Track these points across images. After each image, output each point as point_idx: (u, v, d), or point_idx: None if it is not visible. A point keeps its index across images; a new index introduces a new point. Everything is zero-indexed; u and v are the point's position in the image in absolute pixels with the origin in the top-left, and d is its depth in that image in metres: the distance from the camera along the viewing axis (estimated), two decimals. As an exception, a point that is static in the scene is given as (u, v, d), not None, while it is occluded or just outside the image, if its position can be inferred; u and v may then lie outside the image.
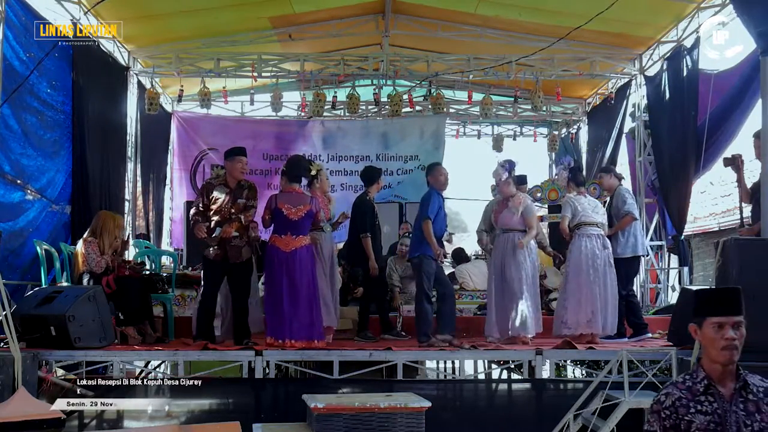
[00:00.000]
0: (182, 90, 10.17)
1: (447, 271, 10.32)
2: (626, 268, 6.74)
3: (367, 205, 6.72)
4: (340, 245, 10.40)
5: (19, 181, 6.93)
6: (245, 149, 6.20)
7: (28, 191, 7.11)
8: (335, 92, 11.12)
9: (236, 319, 6.01)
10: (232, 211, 5.89)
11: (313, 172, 6.43)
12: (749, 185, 6.05)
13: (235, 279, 5.98)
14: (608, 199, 7.18)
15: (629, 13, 8.44)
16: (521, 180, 6.78)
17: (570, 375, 7.84)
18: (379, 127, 11.49)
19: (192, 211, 6.07)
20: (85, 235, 6.33)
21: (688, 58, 8.52)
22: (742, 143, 7.63)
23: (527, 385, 5.67)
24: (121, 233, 6.66)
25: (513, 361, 6.41)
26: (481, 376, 7.73)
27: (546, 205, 9.74)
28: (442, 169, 6.50)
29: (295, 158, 6.58)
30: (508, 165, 6.48)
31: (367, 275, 6.76)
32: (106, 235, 6.30)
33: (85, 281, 6.18)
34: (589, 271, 6.39)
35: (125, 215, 9.17)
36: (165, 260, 8.59)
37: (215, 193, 5.94)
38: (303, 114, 11.89)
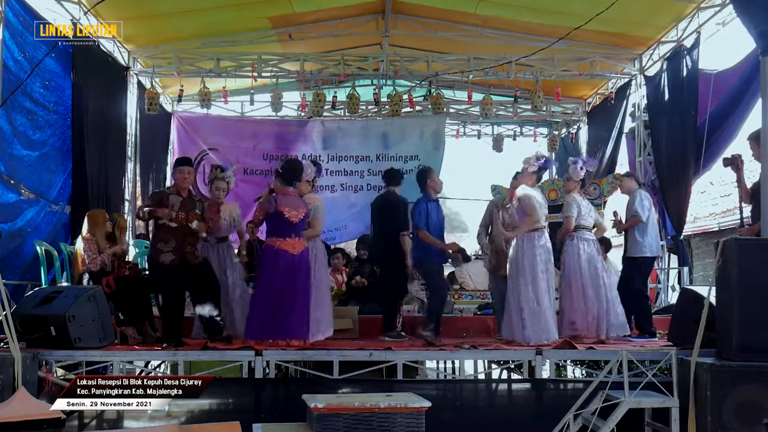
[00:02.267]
0: (182, 90, 10.17)
1: (447, 271, 10.34)
2: (640, 268, 6.77)
3: (400, 202, 6.76)
4: (341, 245, 10.43)
5: (12, 182, 6.92)
6: (188, 159, 6.33)
7: (25, 191, 7.10)
8: (335, 92, 11.11)
9: (209, 317, 5.97)
10: (188, 217, 5.91)
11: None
12: (749, 185, 6.05)
13: (200, 279, 5.97)
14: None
15: (629, 13, 8.44)
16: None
17: (570, 375, 7.84)
18: (379, 127, 11.48)
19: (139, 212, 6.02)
20: (84, 233, 6.33)
21: (688, 58, 8.53)
22: (742, 143, 7.61)
23: (527, 385, 5.66)
24: (121, 233, 6.65)
25: (513, 361, 6.41)
26: (481, 376, 7.73)
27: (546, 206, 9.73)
28: (436, 175, 6.61)
29: (293, 161, 6.60)
30: (544, 162, 6.52)
31: (389, 273, 6.77)
32: (97, 230, 6.30)
33: (84, 281, 6.18)
34: (587, 273, 6.44)
35: (125, 215, 9.16)
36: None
37: (171, 200, 5.92)
38: (303, 114, 11.88)
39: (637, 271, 6.79)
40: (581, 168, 6.62)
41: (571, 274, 6.51)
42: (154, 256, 5.84)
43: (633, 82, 10.12)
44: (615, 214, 7.05)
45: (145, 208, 5.96)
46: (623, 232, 6.92)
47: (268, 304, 5.81)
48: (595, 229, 6.85)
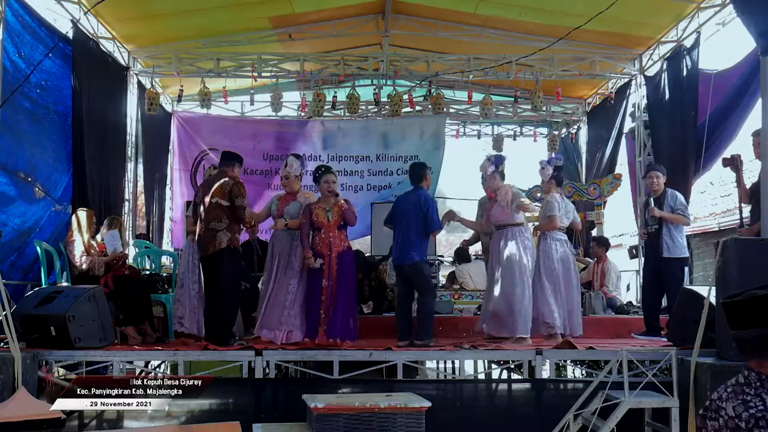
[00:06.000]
0: (182, 90, 10.17)
1: (447, 271, 10.33)
2: (678, 268, 6.78)
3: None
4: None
5: (24, 177, 6.94)
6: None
7: (39, 191, 7.12)
8: (335, 92, 11.12)
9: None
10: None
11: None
12: (748, 185, 6.05)
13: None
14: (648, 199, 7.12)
15: (629, 13, 8.44)
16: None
17: (570, 375, 7.84)
18: (379, 127, 11.48)
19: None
20: (69, 235, 6.36)
21: (688, 58, 8.52)
22: (742, 143, 7.63)
23: (527, 385, 5.67)
24: (117, 230, 6.66)
25: (513, 361, 6.41)
26: (481, 376, 7.73)
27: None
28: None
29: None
30: (495, 159, 6.49)
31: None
32: (84, 230, 6.30)
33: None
34: (560, 273, 6.51)
35: (125, 215, 9.16)
36: (165, 260, 8.59)
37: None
38: (303, 114, 11.89)
39: (682, 270, 6.83)
40: (543, 168, 6.72)
41: (543, 273, 6.53)
42: (235, 244, 6.06)
43: (633, 82, 10.12)
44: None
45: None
46: (646, 236, 6.95)
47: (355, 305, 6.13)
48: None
